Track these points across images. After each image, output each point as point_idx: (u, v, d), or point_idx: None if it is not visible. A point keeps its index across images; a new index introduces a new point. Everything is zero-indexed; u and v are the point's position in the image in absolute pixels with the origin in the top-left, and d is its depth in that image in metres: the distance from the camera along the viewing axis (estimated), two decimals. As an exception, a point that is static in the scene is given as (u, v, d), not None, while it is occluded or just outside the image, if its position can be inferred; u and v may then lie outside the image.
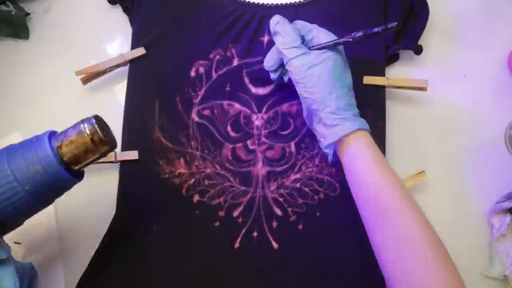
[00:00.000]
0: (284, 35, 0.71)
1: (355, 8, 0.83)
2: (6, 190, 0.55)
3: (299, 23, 0.74)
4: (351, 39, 0.69)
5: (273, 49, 0.75)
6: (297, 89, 0.72)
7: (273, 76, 0.77)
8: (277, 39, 0.72)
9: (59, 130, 0.61)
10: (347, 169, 0.69)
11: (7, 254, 0.62)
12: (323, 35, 0.71)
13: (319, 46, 0.70)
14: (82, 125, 0.57)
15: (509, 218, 0.78)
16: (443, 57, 0.87)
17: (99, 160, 0.75)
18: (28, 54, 0.88)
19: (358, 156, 0.68)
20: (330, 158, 0.73)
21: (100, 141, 0.57)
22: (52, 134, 0.59)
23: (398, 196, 0.64)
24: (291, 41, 0.70)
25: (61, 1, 0.90)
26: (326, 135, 0.70)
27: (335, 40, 0.70)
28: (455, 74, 0.87)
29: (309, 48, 0.71)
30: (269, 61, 0.75)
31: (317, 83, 0.68)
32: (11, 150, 0.57)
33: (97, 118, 0.58)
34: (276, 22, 0.72)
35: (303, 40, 0.73)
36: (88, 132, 0.56)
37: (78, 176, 0.61)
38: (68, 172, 0.58)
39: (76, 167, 0.59)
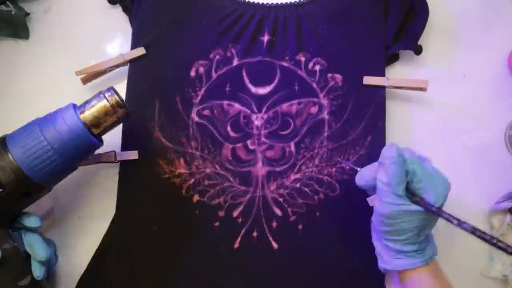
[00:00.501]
0: (388, 173, 0.64)
1: (355, 8, 0.83)
2: (39, 150, 0.62)
3: (414, 163, 0.66)
4: (459, 227, 0.64)
5: (371, 169, 0.69)
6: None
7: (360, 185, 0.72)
8: (380, 171, 0.66)
9: None
10: None
11: (38, 224, 0.68)
12: (431, 191, 0.65)
13: (423, 209, 0.65)
14: (102, 94, 0.66)
15: (509, 218, 0.78)
16: (443, 57, 0.87)
17: (99, 160, 0.77)
18: (28, 54, 0.88)
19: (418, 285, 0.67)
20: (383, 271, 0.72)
21: (117, 104, 0.65)
22: (75, 105, 0.67)
23: None
24: (393, 186, 0.64)
25: (61, 1, 0.90)
26: (386, 261, 0.68)
27: (441, 214, 0.65)
28: (455, 74, 0.86)
29: (411, 195, 0.66)
30: (361, 180, 0.70)
31: (397, 229, 0.65)
32: (42, 118, 0.66)
33: (114, 89, 0.66)
34: (390, 156, 0.65)
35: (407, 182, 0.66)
36: (107, 96, 0.65)
37: (99, 140, 0.69)
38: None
39: (97, 131, 0.66)
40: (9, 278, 0.65)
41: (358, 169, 0.71)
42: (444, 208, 0.80)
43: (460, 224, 0.63)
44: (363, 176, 0.69)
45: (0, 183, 0.61)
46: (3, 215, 0.65)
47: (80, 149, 0.65)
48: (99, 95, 0.66)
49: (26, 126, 0.65)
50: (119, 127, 0.80)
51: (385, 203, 0.65)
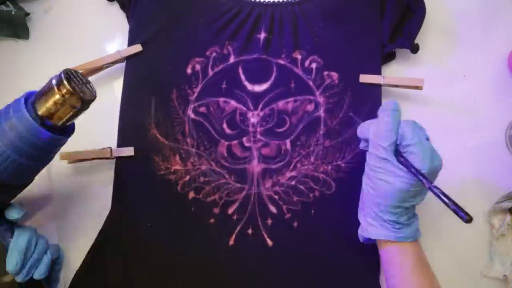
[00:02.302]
0: (380, 124, 0.65)
1: (352, 6, 0.83)
2: None
3: (408, 126, 0.65)
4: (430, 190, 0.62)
5: (371, 121, 0.69)
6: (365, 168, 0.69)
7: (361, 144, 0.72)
8: (374, 123, 0.67)
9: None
10: (383, 261, 0.69)
11: (19, 216, 0.65)
12: (418, 158, 0.63)
13: (406, 169, 0.63)
14: (52, 79, 0.58)
15: (509, 218, 0.78)
16: (440, 56, 0.87)
17: (94, 157, 0.77)
18: (28, 54, 0.88)
19: (396, 259, 0.67)
20: (361, 239, 0.72)
21: (67, 93, 0.57)
22: (30, 94, 0.61)
23: None
24: (380, 136, 0.64)
25: (61, 1, 0.91)
26: (368, 229, 0.68)
27: (417, 175, 0.62)
28: (453, 73, 0.86)
29: (398, 155, 0.64)
30: (360, 131, 0.69)
31: (383, 191, 0.64)
32: None
33: (67, 72, 0.59)
34: (387, 109, 0.65)
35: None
36: (54, 83, 0.57)
37: (64, 133, 0.62)
38: (50, 129, 0.59)
39: (56, 123, 0.60)
40: None
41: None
42: (444, 206, 0.80)
43: (431, 188, 0.61)
44: (362, 126, 0.69)
45: None
46: None
47: (34, 144, 0.59)
48: (49, 81, 0.59)
49: None
50: (115, 123, 0.80)
51: (370, 154, 0.66)
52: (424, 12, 0.83)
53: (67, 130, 0.64)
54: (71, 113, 0.60)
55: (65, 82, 0.57)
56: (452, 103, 0.85)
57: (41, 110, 0.58)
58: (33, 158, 0.61)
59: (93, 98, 0.61)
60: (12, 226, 0.68)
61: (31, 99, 0.59)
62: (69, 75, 0.59)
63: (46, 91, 0.58)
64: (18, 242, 0.65)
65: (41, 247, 0.70)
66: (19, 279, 0.66)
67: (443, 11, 0.88)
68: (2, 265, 0.65)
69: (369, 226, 0.68)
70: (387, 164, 0.63)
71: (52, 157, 0.65)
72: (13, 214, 0.66)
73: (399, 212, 0.65)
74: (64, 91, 0.57)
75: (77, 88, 0.58)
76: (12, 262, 0.64)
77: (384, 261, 0.68)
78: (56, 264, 0.75)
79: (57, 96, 0.57)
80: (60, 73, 0.58)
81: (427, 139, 0.66)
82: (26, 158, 0.60)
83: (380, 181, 0.64)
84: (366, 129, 0.67)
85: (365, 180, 0.68)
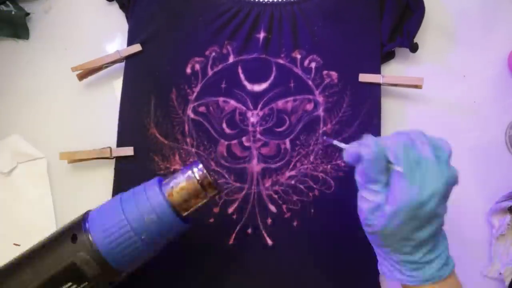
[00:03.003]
0: (366, 165, 0.58)
1: (351, 5, 0.83)
2: (125, 240, 0.57)
3: (400, 149, 0.58)
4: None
5: (355, 147, 0.61)
6: None
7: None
8: (358, 166, 0.61)
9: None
10: None
11: None
12: (410, 178, 0.56)
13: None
14: (191, 171, 0.60)
15: (509, 218, 0.78)
16: (439, 55, 0.87)
17: (94, 156, 0.77)
18: (28, 54, 0.88)
19: None
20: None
21: (209, 186, 0.60)
22: (160, 181, 0.62)
23: None
24: (370, 179, 0.59)
25: (61, 1, 0.91)
26: (383, 270, 0.64)
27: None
28: (453, 73, 0.86)
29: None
30: (348, 158, 0.61)
31: (385, 234, 0.59)
32: (125, 200, 0.60)
33: (202, 163, 0.61)
34: (366, 152, 0.58)
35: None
36: (198, 177, 0.60)
37: (186, 221, 0.63)
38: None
39: (185, 213, 0.61)
40: None
41: (343, 145, 0.64)
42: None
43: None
44: (349, 154, 0.61)
45: (86, 276, 0.57)
46: None
47: (168, 235, 0.60)
48: (186, 171, 0.60)
49: (109, 206, 0.61)
50: (114, 123, 0.80)
51: (360, 198, 0.62)
52: (423, 11, 0.83)
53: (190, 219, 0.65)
54: (203, 204, 0.62)
55: (208, 176, 0.60)
56: (452, 103, 0.85)
57: (178, 203, 0.60)
58: (158, 247, 0.62)
59: (223, 190, 0.66)
60: None
61: (165, 191, 0.60)
62: (204, 166, 0.61)
63: (186, 184, 0.60)
64: None
65: None
66: None
67: (443, 11, 0.89)
68: None
69: (382, 267, 0.64)
70: (379, 211, 0.58)
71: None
72: None
73: (408, 251, 0.59)
74: (206, 184, 0.60)
75: (214, 180, 0.61)
76: None
77: None
78: None
79: (199, 190, 0.60)
80: (198, 164, 0.61)
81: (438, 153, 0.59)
82: (154, 249, 0.61)
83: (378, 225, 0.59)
84: (355, 157, 0.60)
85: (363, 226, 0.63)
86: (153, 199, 0.59)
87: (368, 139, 0.59)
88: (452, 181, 0.58)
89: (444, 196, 0.58)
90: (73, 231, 0.58)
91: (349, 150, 0.60)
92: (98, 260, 0.57)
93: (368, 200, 0.59)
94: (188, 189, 0.59)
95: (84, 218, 0.60)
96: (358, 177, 0.60)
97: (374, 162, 0.57)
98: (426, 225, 0.58)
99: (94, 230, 0.58)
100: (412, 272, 0.60)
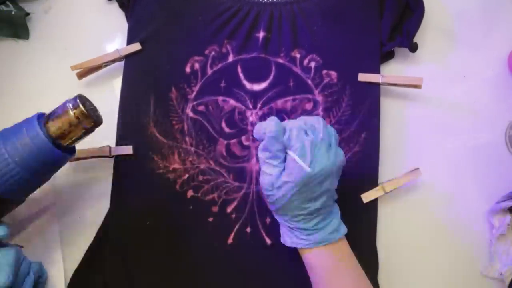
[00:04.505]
0: (268, 141, 0.63)
1: (351, 5, 0.83)
2: (0, 162, 0.60)
3: (294, 130, 0.64)
4: None
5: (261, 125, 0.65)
6: None
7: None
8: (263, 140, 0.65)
9: None
10: (306, 268, 0.69)
11: (5, 233, 0.65)
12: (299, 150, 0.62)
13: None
14: (66, 102, 0.62)
15: (509, 218, 0.77)
16: (439, 55, 0.87)
17: (93, 155, 0.77)
18: (28, 54, 0.89)
19: (315, 263, 0.68)
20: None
21: (82, 115, 0.62)
22: (41, 115, 0.64)
23: None
24: (270, 155, 0.64)
25: (61, 1, 0.91)
26: (284, 237, 0.70)
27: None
28: (453, 73, 0.86)
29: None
30: (255, 133, 0.66)
31: (282, 203, 0.65)
32: (5, 130, 0.63)
33: (81, 96, 0.63)
34: (268, 131, 0.63)
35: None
36: (70, 107, 0.61)
37: (69, 152, 0.66)
38: (58, 148, 0.63)
39: (64, 142, 0.64)
40: None
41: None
42: (444, 206, 0.80)
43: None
44: (256, 131, 0.66)
45: None
46: None
47: (45, 162, 0.63)
48: (64, 104, 0.63)
49: None
50: (114, 122, 0.81)
51: (262, 173, 0.66)
52: (423, 11, 0.83)
53: (71, 150, 0.67)
54: (81, 134, 0.64)
55: (80, 105, 0.62)
56: (452, 103, 0.85)
57: (54, 131, 0.62)
58: (39, 175, 0.64)
59: (101, 122, 0.66)
60: None
61: (42, 120, 0.63)
62: (82, 99, 0.63)
63: (60, 113, 0.62)
64: (6, 257, 0.64)
65: (26, 266, 0.68)
66: None
67: (442, 10, 0.88)
68: None
69: (284, 236, 0.70)
70: (274, 178, 0.64)
71: (51, 176, 0.68)
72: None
73: (302, 219, 0.66)
74: (79, 113, 0.62)
75: (90, 112, 0.63)
76: (3, 275, 0.62)
77: (306, 268, 0.69)
78: (39, 283, 0.73)
79: (73, 118, 0.61)
80: (75, 97, 0.63)
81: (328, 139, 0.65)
82: (34, 175, 0.63)
83: (276, 195, 0.64)
84: (259, 135, 0.65)
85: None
86: (27, 125, 0.62)
87: (272, 120, 0.64)
88: (340, 161, 0.65)
89: (332, 173, 0.64)
90: None
91: (257, 127, 0.66)
92: None
93: (268, 173, 0.64)
94: (61, 118, 0.62)
95: None
96: (260, 154, 0.65)
97: (274, 139, 0.63)
98: (317, 197, 0.64)
99: None
100: (308, 236, 0.66)
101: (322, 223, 0.66)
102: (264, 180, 0.65)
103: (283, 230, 0.69)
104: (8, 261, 0.64)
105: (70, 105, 0.62)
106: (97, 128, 0.81)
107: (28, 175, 0.62)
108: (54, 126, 0.62)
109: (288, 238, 0.68)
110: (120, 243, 0.77)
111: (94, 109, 0.65)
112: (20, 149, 0.61)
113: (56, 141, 0.63)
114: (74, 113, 0.61)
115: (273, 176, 0.63)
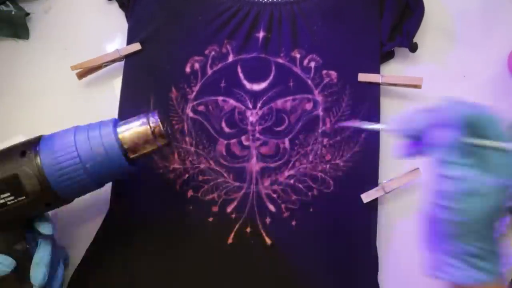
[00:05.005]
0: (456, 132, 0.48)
1: (351, 5, 0.83)
2: (70, 165, 0.60)
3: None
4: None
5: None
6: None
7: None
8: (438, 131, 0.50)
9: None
10: None
11: (51, 232, 0.66)
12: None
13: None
14: (146, 117, 0.64)
15: (509, 218, 0.77)
16: (439, 55, 0.87)
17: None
18: (28, 54, 0.89)
19: None
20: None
21: (159, 134, 0.63)
22: (116, 121, 0.65)
23: None
24: (460, 152, 0.48)
25: (61, 1, 0.91)
26: (449, 271, 0.51)
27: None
28: (453, 73, 0.86)
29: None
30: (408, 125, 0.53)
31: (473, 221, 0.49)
32: (79, 129, 0.63)
33: (159, 113, 0.65)
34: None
35: None
36: (151, 124, 0.63)
37: (133, 164, 0.66)
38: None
39: (133, 155, 0.64)
40: (15, 279, 0.64)
41: (367, 125, 0.60)
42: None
43: None
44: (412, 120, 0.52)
45: (24, 191, 0.60)
46: (21, 219, 0.65)
47: (111, 172, 0.63)
48: (142, 118, 0.64)
49: (63, 132, 0.63)
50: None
51: (441, 177, 0.49)
52: (423, 11, 0.83)
53: (135, 163, 0.67)
54: (151, 151, 0.65)
55: (159, 124, 0.63)
56: (452, 103, 0.85)
57: (128, 143, 0.63)
58: (101, 184, 0.66)
59: (172, 142, 0.69)
60: (36, 236, 0.67)
61: (117, 130, 0.63)
62: (161, 117, 0.65)
63: (138, 127, 0.63)
64: (44, 254, 0.65)
65: (56, 259, 0.70)
66: None
67: (442, 10, 0.89)
68: (26, 272, 0.64)
69: (450, 267, 0.51)
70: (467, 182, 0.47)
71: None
72: (46, 229, 0.66)
73: (489, 239, 0.50)
74: (158, 132, 0.63)
75: (166, 131, 0.64)
76: (39, 275, 0.64)
77: None
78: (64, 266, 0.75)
79: (150, 135, 0.63)
80: (154, 113, 0.64)
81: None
82: (97, 183, 0.64)
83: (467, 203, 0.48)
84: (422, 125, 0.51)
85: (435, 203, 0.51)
86: (104, 134, 0.62)
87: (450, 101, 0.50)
88: None
89: None
90: (24, 148, 0.61)
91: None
92: (40, 178, 0.59)
93: (457, 179, 0.48)
94: (139, 133, 0.63)
95: (37, 139, 0.63)
96: (438, 153, 0.49)
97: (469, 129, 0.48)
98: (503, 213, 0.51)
99: (43, 151, 0.60)
100: (492, 267, 0.50)
101: (491, 247, 0.50)
102: (449, 188, 0.48)
103: (448, 262, 0.51)
104: (45, 260, 0.65)
105: (151, 121, 0.63)
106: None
107: (91, 182, 0.62)
108: (129, 139, 0.63)
109: (459, 272, 0.50)
110: (120, 243, 0.77)
111: (167, 127, 0.67)
112: (93, 156, 0.61)
113: (127, 153, 0.63)
114: (153, 130, 0.63)
115: (468, 182, 0.47)
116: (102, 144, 0.61)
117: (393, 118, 0.54)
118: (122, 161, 0.62)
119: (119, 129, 0.63)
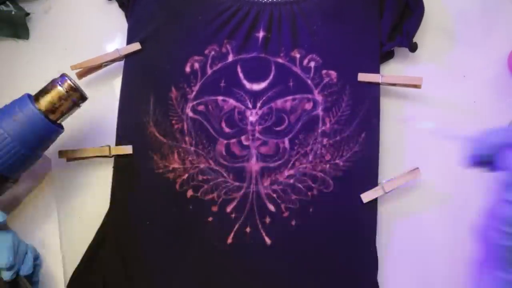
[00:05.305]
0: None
1: (351, 5, 0.83)
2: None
3: None
4: None
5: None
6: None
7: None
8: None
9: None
10: None
11: (3, 219, 0.68)
12: None
13: None
14: (54, 80, 0.69)
15: (509, 218, 0.77)
16: (439, 55, 0.87)
17: (93, 155, 0.77)
18: (28, 54, 0.89)
19: None
20: None
21: (70, 88, 0.68)
22: (29, 95, 0.69)
23: None
24: None
25: (61, 1, 0.91)
26: None
27: None
28: (452, 73, 0.86)
29: None
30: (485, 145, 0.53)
31: None
32: None
33: (66, 75, 0.69)
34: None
35: None
36: (59, 82, 0.68)
37: (59, 127, 0.70)
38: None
39: (55, 117, 0.68)
40: None
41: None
42: (443, 206, 0.80)
43: None
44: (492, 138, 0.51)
45: None
46: None
47: (39, 136, 0.67)
48: (52, 82, 0.68)
49: None
50: (114, 122, 0.80)
51: (506, 202, 0.48)
52: (422, 11, 0.83)
53: (60, 125, 0.71)
54: (71, 108, 0.69)
55: (68, 80, 0.68)
56: (452, 103, 0.85)
57: (45, 105, 0.67)
58: (34, 149, 0.68)
59: (87, 97, 0.71)
60: None
61: (32, 97, 0.68)
62: (68, 76, 0.69)
63: (49, 89, 0.68)
64: (4, 239, 0.67)
65: (23, 246, 0.71)
66: (8, 276, 0.66)
67: (442, 10, 0.88)
68: None
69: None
70: None
71: (44, 151, 0.71)
72: None
73: None
74: (68, 87, 0.68)
75: (78, 86, 0.69)
76: (4, 257, 0.66)
77: None
78: (36, 265, 0.75)
79: (62, 92, 0.67)
80: (61, 74, 0.69)
81: None
82: (29, 149, 0.66)
83: None
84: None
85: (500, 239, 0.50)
86: (20, 102, 0.67)
87: None
88: None
89: None
90: None
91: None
92: None
93: None
94: (52, 93, 0.67)
95: None
96: (506, 175, 0.48)
97: None
98: None
99: None
100: None
101: None
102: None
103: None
104: (8, 243, 0.67)
105: (58, 79, 0.68)
106: (97, 128, 0.82)
107: (24, 150, 0.65)
108: (45, 101, 0.67)
109: None
110: (120, 243, 0.77)
111: (79, 86, 0.70)
112: (15, 124, 0.64)
113: (47, 116, 0.67)
114: (63, 87, 0.67)
115: None
116: (20, 111, 0.65)
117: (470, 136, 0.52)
118: (45, 122, 0.66)
119: (33, 97, 0.68)
